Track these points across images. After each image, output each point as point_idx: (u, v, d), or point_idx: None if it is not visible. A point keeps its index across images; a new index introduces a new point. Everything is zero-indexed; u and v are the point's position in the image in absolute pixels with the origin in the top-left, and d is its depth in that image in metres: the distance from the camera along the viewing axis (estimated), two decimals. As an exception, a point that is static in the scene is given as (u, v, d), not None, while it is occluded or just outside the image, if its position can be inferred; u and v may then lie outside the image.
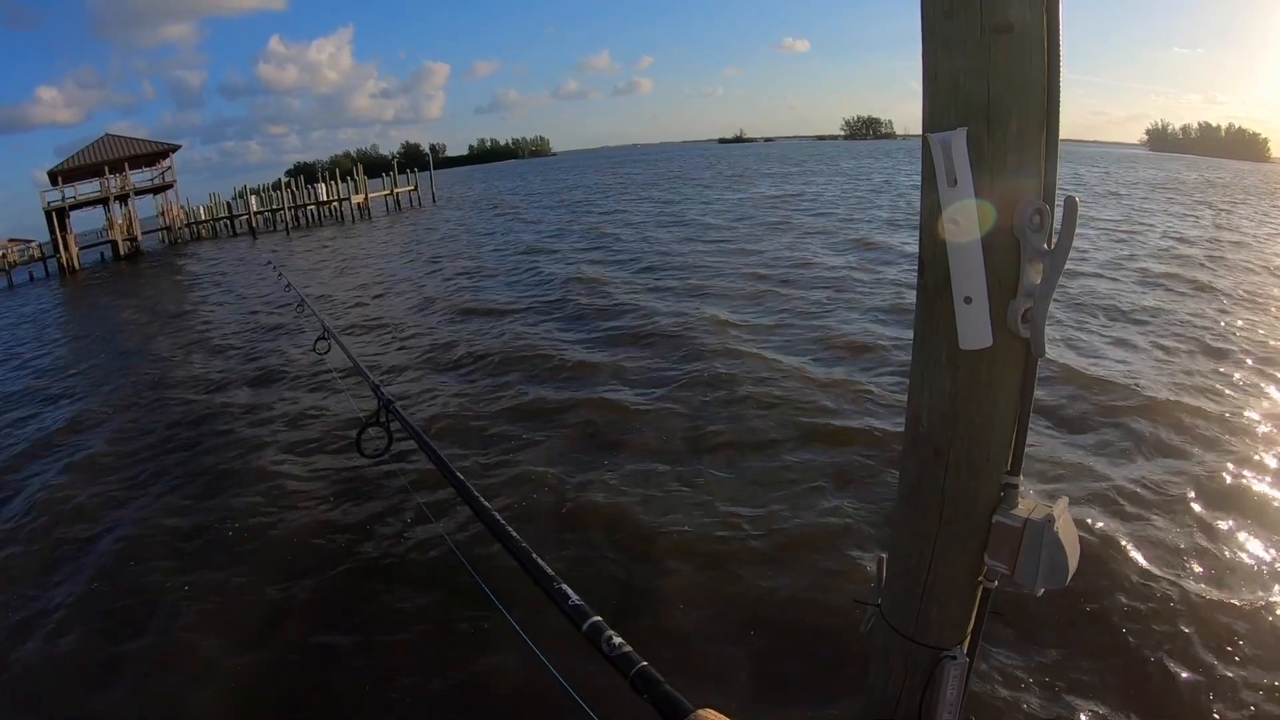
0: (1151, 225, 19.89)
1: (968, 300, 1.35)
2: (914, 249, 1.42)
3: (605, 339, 9.94)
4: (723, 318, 10.28)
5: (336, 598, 4.72)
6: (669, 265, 15.16)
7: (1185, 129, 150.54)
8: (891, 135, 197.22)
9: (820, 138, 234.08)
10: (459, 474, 1.66)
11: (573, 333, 10.52)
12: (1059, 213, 1.34)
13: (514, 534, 1.38)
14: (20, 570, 5.44)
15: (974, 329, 1.37)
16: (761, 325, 9.98)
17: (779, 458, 5.93)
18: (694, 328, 9.81)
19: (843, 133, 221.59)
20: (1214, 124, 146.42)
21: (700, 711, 0.88)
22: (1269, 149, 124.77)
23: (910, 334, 1.53)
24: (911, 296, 1.46)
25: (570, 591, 1.20)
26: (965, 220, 1.32)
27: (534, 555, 1.30)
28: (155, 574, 5.18)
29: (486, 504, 1.48)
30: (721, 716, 0.86)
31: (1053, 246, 1.34)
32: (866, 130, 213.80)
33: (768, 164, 60.36)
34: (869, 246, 16.32)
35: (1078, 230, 1.31)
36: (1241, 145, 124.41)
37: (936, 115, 1.36)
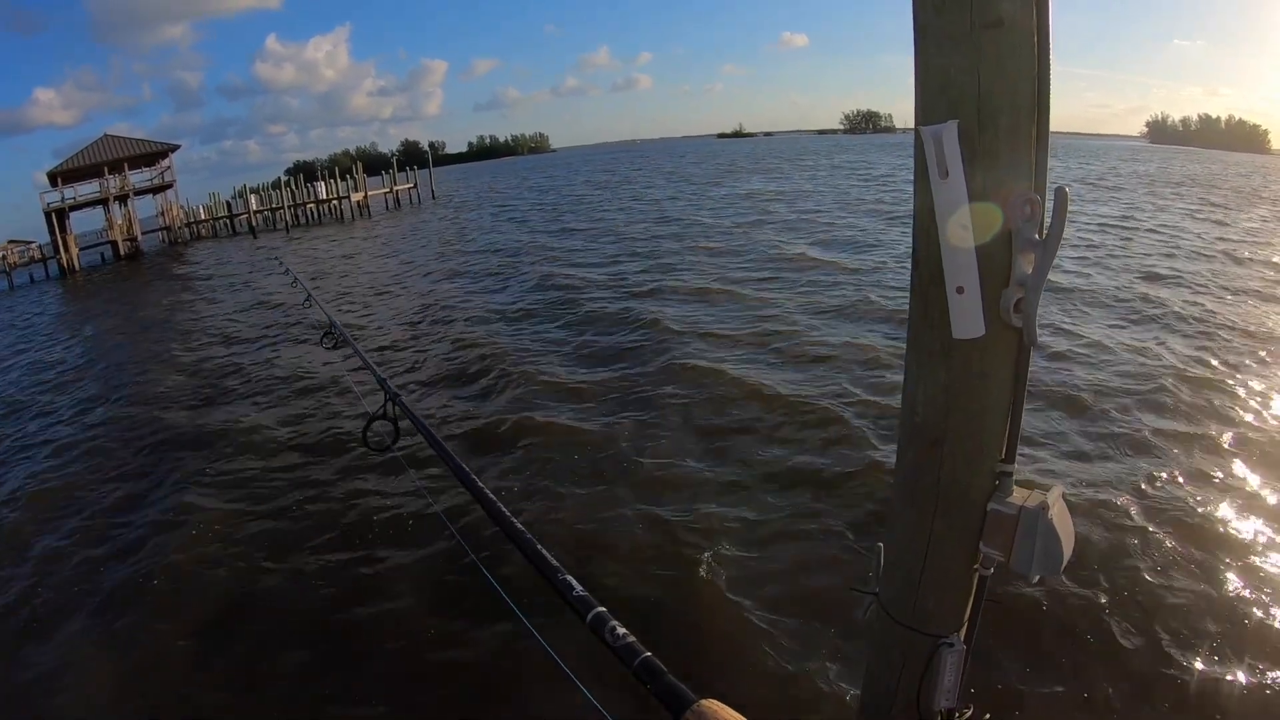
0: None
1: (960, 290, 1.37)
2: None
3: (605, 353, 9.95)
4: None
5: (340, 589, 4.74)
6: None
7: (1185, 121, 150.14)
8: (891, 129, 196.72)
9: (820, 132, 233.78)
10: (464, 466, 1.67)
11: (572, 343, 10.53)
12: (1050, 203, 1.36)
13: (519, 525, 1.39)
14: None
15: (967, 319, 1.39)
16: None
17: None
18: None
19: (842, 127, 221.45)
20: (1214, 116, 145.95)
21: (703, 702, 0.89)
22: (1269, 141, 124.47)
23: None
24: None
25: (575, 582, 1.21)
26: (958, 212, 1.35)
27: (539, 547, 1.30)
28: (156, 565, 5.23)
29: (492, 496, 1.49)
30: (724, 706, 0.87)
31: (1044, 237, 1.36)
32: (866, 124, 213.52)
33: (761, 160, 59.93)
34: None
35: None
36: (1241, 137, 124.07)
37: (928, 110, 1.38)
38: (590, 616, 1.12)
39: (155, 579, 5.10)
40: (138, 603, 4.88)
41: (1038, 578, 1.55)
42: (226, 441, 7.65)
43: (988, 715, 1.81)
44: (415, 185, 47.30)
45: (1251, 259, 13.72)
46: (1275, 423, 6.14)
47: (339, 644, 4.24)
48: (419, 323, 12.46)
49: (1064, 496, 1.59)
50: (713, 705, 0.88)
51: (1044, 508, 1.51)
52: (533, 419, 7.20)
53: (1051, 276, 1.35)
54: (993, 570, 1.67)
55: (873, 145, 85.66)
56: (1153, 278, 12.11)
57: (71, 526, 6.10)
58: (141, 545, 5.62)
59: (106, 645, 4.47)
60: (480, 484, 1.56)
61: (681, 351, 8.57)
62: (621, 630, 1.08)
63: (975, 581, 1.70)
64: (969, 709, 1.84)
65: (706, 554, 4.69)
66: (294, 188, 42.15)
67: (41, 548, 5.80)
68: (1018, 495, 1.56)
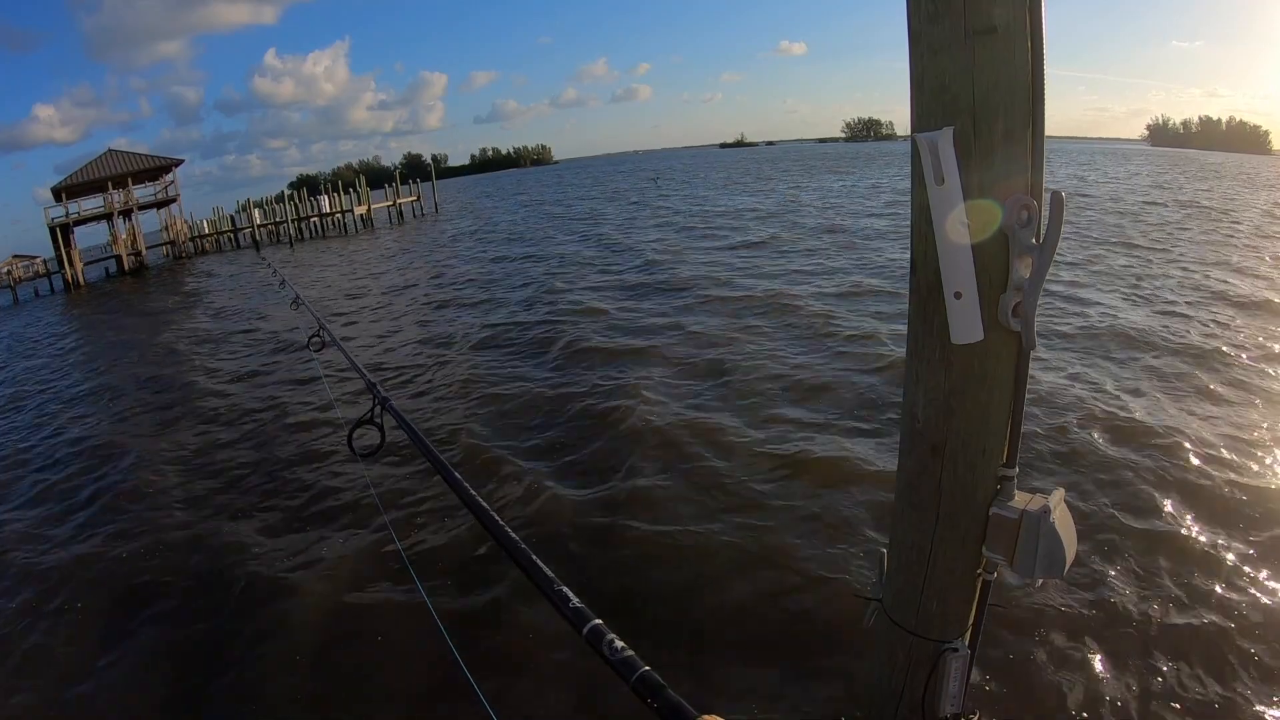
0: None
1: (958, 295, 1.37)
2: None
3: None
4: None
5: (318, 602, 4.67)
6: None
7: (1186, 123, 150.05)
8: (892, 136, 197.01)
9: (822, 140, 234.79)
10: (457, 474, 1.63)
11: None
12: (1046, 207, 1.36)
13: (513, 535, 1.35)
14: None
15: (965, 324, 1.39)
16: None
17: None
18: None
19: (844, 135, 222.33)
20: (1214, 117, 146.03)
21: (704, 718, 0.87)
22: (1270, 141, 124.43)
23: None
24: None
25: (571, 594, 1.16)
26: (954, 218, 1.35)
27: (534, 557, 1.27)
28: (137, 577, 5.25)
29: (485, 504, 1.46)
30: None
31: (1041, 241, 1.36)
32: (867, 132, 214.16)
33: (752, 170, 59.94)
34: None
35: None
36: (1242, 138, 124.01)
37: (924, 117, 1.39)
38: (587, 629, 1.08)
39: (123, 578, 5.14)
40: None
41: (1041, 581, 1.55)
42: (206, 445, 7.65)
43: (994, 721, 1.80)
44: (419, 198, 47.46)
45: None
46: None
47: (301, 653, 4.18)
48: (413, 330, 12.47)
49: (1065, 499, 1.60)
50: None
51: (1046, 511, 1.51)
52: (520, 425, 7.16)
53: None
54: (995, 574, 1.67)
55: (864, 155, 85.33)
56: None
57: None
58: (117, 542, 5.69)
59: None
60: (473, 492, 1.52)
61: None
62: (620, 644, 1.03)
63: (978, 586, 1.70)
64: (975, 714, 1.83)
65: (702, 564, 4.65)
66: (297, 201, 42.27)
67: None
68: (1019, 499, 1.56)
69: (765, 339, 9.19)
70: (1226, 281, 11.43)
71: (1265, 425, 5.94)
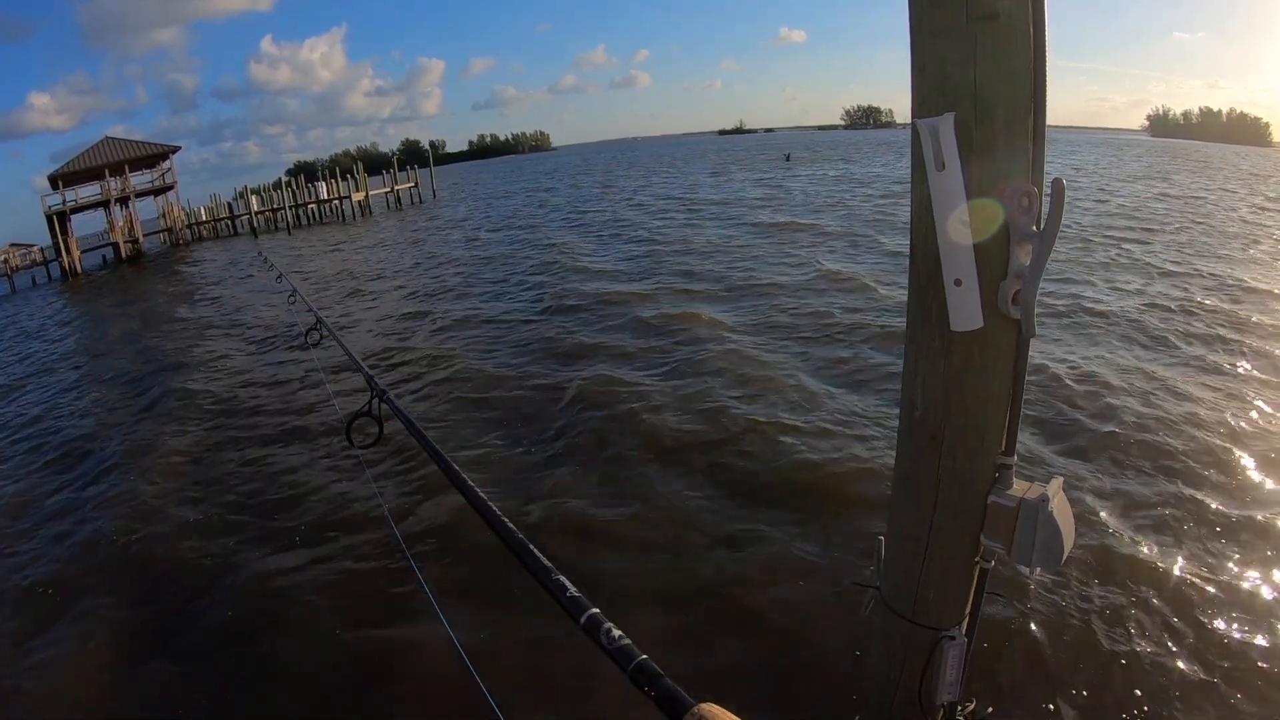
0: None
1: (958, 282, 1.37)
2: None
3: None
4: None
5: (315, 592, 4.68)
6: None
7: (1186, 114, 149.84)
8: (892, 124, 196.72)
9: (821, 128, 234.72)
10: (453, 463, 1.63)
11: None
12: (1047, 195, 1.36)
13: (509, 524, 1.34)
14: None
15: (965, 310, 1.39)
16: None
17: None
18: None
19: (843, 122, 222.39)
20: (1215, 109, 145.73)
21: (701, 706, 0.86)
22: (1270, 134, 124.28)
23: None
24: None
25: (568, 583, 1.15)
26: (955, 204, 1.35)
27: (530, 546, 1.26)
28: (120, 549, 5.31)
29: (482, 494, 1.45)
30: (723, 711, 0.85)
31: (1041, 228, 1.36)
32: (866, 120, 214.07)
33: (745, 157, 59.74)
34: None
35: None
36: (1243, 130, 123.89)
37: (925, 103, 1.38)
38: (584, 619, 1.07)
39: (118, 561, 5.19)
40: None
41: (1038, 570, 1.55)
42: (200, 443, 7.64)
43: (990, 709, 1.80)
44: (416, 184, 47.29)
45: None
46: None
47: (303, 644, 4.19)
48: (409, 321, 12.43)
49: (1064, 488, 1.59)
50: (712, 709, 0.85)
51: (1044, 500, 1.51)
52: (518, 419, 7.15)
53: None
54: (993, 563, 1.67)
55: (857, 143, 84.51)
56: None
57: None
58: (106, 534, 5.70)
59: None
60: (470, 482, 1.52)
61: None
62: (617, 632, 1.03)
63: (976, 574, 1.70)
64: (971, 702, 1.84)
65: (696, 551, 4.65)
66: (295, 188, 42.08)
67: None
68: (1018, 487, 1.56)
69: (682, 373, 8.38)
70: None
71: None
